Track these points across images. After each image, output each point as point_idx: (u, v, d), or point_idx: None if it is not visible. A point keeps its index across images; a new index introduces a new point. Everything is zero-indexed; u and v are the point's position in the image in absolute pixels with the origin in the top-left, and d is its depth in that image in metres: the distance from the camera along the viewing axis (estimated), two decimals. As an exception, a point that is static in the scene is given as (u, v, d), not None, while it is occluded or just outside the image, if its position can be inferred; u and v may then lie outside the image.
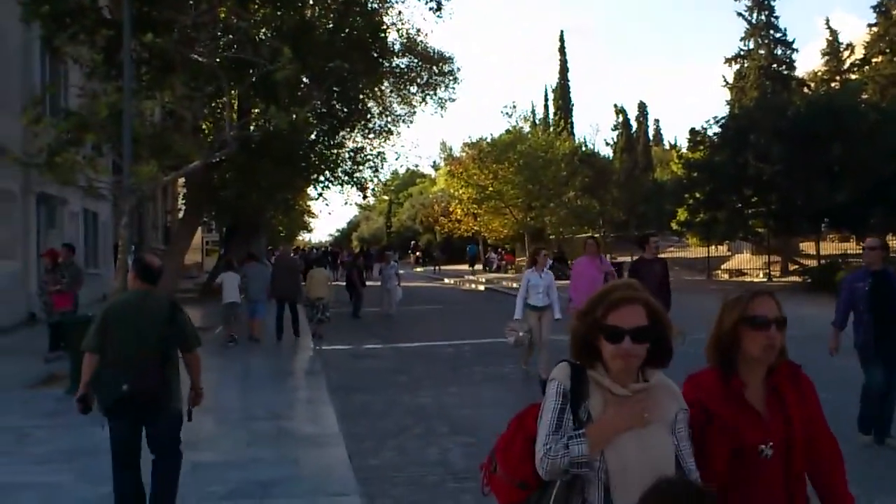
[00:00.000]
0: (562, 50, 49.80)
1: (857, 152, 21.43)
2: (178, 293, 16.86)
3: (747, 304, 2.21)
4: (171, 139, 11.40)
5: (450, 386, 9.16)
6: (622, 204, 36.52)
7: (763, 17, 35.67)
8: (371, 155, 23.83)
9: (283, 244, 23.75)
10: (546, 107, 50.69)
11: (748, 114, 26.53)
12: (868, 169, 21.29)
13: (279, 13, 14.55)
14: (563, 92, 49.30)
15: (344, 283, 20.73)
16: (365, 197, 25.97)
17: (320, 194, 25.17)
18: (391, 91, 25.16)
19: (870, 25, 32.99)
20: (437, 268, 41.48)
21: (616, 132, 47.21)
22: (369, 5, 18.40)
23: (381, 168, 24.60)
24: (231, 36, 13.34)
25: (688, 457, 2.02)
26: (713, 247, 29.80)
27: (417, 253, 51.40)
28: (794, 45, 35.96)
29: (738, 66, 36.81)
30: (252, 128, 13.49)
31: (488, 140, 38.44)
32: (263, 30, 14.73)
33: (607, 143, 47.17)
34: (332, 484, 5.25)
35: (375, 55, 18.45)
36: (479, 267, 42.30)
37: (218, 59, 11.39)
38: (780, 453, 2.16)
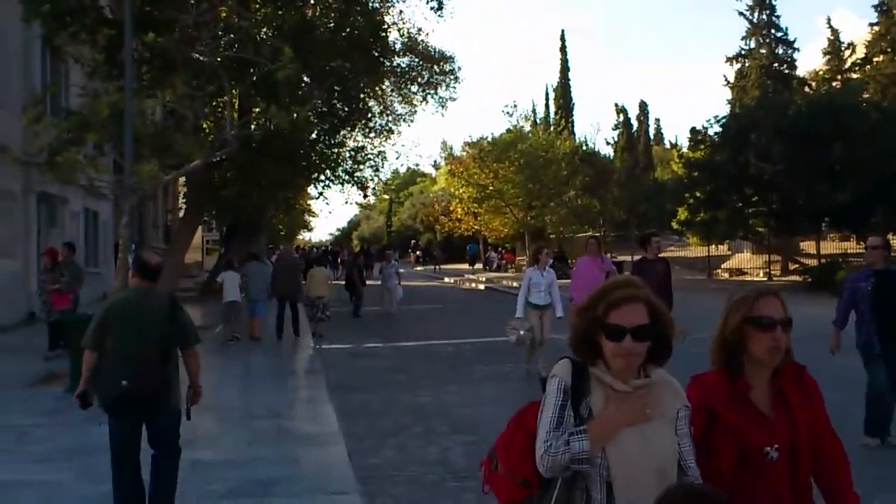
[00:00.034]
0: (563, 49, 49.81)
1: (858, 152, 21.41)
2: (178, 292, 16.86)
3: (752, 305, 2.19)
4: (172, 138, 11.39)
5: (450, 385, 9.16)
6: (623, 203, 36.49)
7: (764, 17, 35.67)
8: (372, 154, 23.90)
9: (284, 243, 23.76)
10: (547, 106, 50.67)
11: (749, 113, 26.50)
12: (869, 168, 21.28)
13: (280, 12, 14.56)
14: (563, 91, 49.29)
15: (343, 283, 20.75)
16: (365, 196, 26.04)
17: (321, 193, 25.22)
18: (392, 90, 25.17)
19: (871, 24, 33.01)
20: (437, 267, 41.48)
21: (617, 131, 47.18)
22: (370, 5, 18.40)
23: (382, 167, 24.67)
24: (232, 35, 13.34)
25: (687, 454, 2.01)
26: (713, 246, 29.79)
27: (418, 252, 51.40)
28: (796, 45, 36.01)
29: (739, 66, 36.81)
30: (253, 127, 13.49)
31: (489, 139, 38.45)
32: (264, 29, 14.74)
33: (608, 143, 47.19)
34: (331, 483, 5.25)
35: (376, 54, 18.46)
36: (479, 266, 42.30)
37: (219, 59, 11.40)
38: (786, 456, 2.14)
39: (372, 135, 24.69)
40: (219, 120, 15.42)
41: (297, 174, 19.54)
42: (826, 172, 22.41)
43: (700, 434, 2.13)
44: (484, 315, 17.02)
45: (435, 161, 55.08)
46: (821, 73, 36.29)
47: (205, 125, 16.32)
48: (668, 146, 56.11)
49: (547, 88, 52.41)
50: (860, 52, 33.92)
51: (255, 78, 11.65)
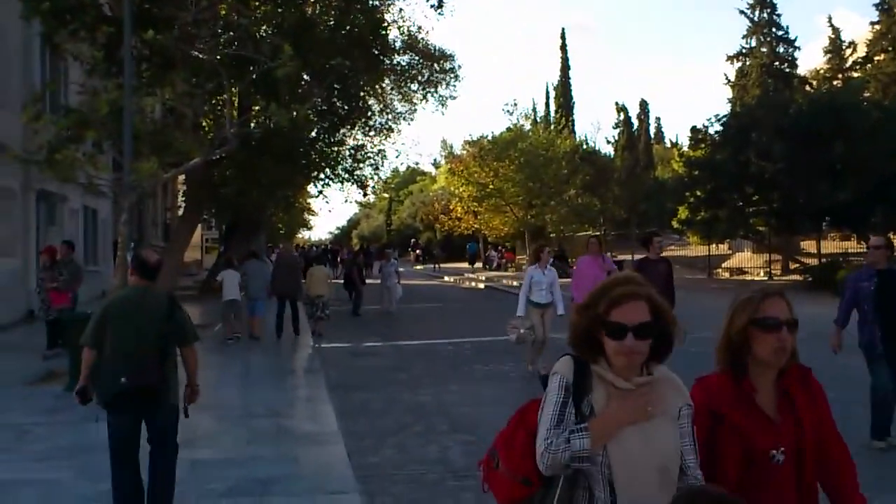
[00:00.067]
0: (563, 48, 49.73)
1: (859, 151, 21.40)
2: (177, 290, 16.85)
3: (758, 306, 2.17)
4: (172, 136, 11.37)
5: (450, 384, 9.15)
6: (623, 202, 36.48)
7: (765, 15, 35.65)
8: (371, 152, 23.90)
9: (283, 242, 23.74)
10: (547, 104, 50.63)
11: (750, 112, 26.49)
12: (870, 167, 21.26)
13: (280, 10, 14.53)
14: (564, 90, 49.23)
15: (342, 282, 20.74)
16: (365, 194, 26.05)
17: (320, 192, 25.32)
18: (392, 88, 25.15)
19: (872, 23, 32.98)
20: (437, 266, 41.46)
21: (617, 130, 47.15)
22: (370, 2, 18.37)
23: (382, 166, 24.68)
24: (232, 33, 13.33)
25: (688, 453, 1.99)
26: (714, 245, 29.77)
27: (417, 251, 51.39)
28: (797, 43, 36.00)
29: (739, 64, 36.79)
30: (252, 125, 13.48)
31: (489, 138, 38.41)
32: (264, 27, 14.72)
33: (608, 141, 47.25)
34: (331, 482, 5.24)
35: (376, 52, 18.45)
36: (479, 265, 42.28)
37: (218, 56, 11.37)
38: (792, 459, 2.12)
39: (372, 133, 24.72)
40: (218, 118, 15.40)
41: (297, 172, 19.53)
42: (827, 171, 22.40)
43: (705, 436, 2.10)
44: (484, 314, 17.01)
45: (435, 160, 55.21)
46: (822, 71, 36.28)
47: (204, 123, 16.31)
48: (668, 145, 56.10)
49: (547, 87, 52.42)
50: (861, 51, 33.91)
51: (254, 76, 11.63)
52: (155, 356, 4.13)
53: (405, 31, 23.63)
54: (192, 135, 13.22)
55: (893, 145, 20.89)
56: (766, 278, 25.97)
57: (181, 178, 22.42)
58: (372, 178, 24.07)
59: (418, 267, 46.03)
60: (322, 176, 22.11)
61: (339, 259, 33.68)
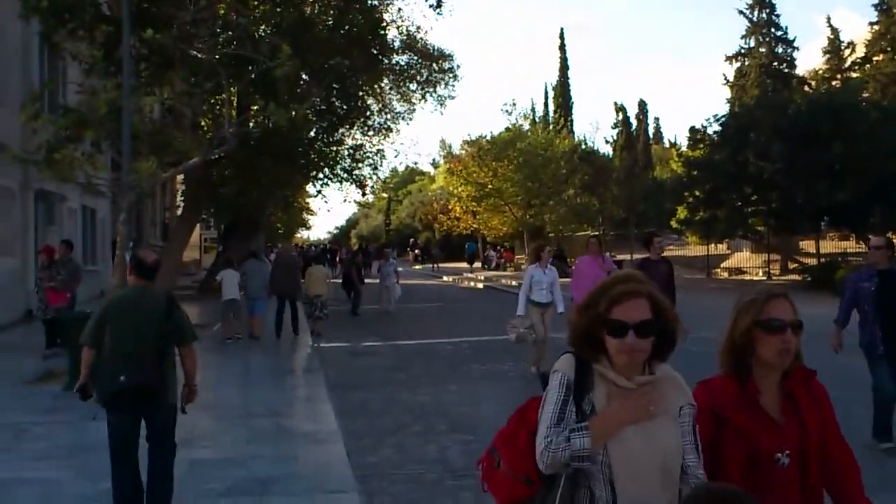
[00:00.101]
0: (562, 48, 49.74)
1: (857, 151, 21.41)
2: (176, 290, 16.84)
3: (762, 307, 2.15)
4: (171, 136, 11.37)
5: (448, 383, 9.15)
6: (622, 202, 36.50)
7: (764, 15, 35.67)
8: (370, 152, 23.88)
9: (283, 242, 23.73)
10: (546, 104, 50.62)
11: (748, 112, 26.51)
12: (868, 168, 21.27)
13: (278, 10, 14.52)
14: (562, 89, 49.23)
15: (341, 281, 20.73)
16: (364, 194, 26.04)
17: (319, 191, 25.28)
18: (391, 88, 25.14)
19: (871, 24, 32.99)
20: (435, 265, 41.47)
21: (616, 130, 47.13)
22: (369, 2, 18.37)
23: (381, 165, 24.64)
24: (230, 32, 13.32)
25: (689, 452, 1.97)
26: (713, 245, 29.81)
27: (416, 251, 51.40)
28: (795, 44, 36.00)
29: (738, 64, 36.80)
30: (251, 124, 13.47)
31: (488, 138, 38.43)
32: (263, 26, 14.71)
33: (607, 141, 47.09)
34: (330, 481, 5.24)
35: (375, 52, 18.44)
36: (477, 265, 42.28)
37: (217, 56, 11.37)
38: (796, 461, 2.10)
39: (370, 133, 24.70)
40: (217, 117, 15.41)
41: (296, 172, 19.53)
42: (825, 172, 22.41)
43: (709, 439, 2.08)
44: (483, 314, 17.01)
45: (434, 159, 55.12)
46: (820, 72, 36.30)
47: (203, 122, 16.31)
48: (667, 145, 56.16)
49: (546, 87, 52.37)
50: (860, 52, 33.91)
51: (253, 75, 11.62)
52: (154, 356, 4.14)
53: (404, 30, 23.66)
54: (191, 134, 13.22)
55: (892, 145, 20.90)
56: (764, 278, 26.00)
57: (180, 177, 22.40)
58: (371, 178, 24.08)
59: (417, 267, 46.02)
60: (321, 175, 22.09)
61: (337, 259, 33.66)
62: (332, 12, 16.85)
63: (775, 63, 35.68)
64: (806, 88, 33.71)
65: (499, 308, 15.03)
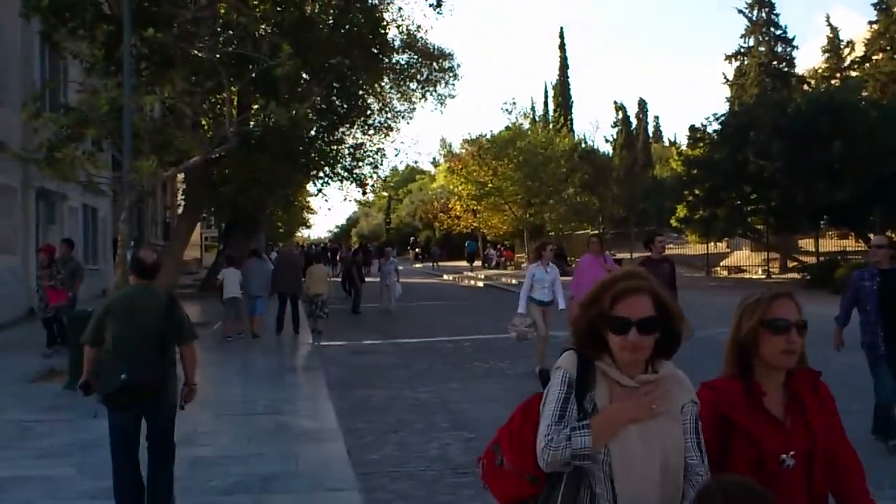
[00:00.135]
0: (562, 46, 49.71)
1: (857, 150, 21.42)
2: (177, 289, 16.86)
3: (767, 307, 2.13)
4: (171, 134, 11.39)
5: (449, 381, 9.17)
6: (622, 201, 36.52)
7: (763, 14, 35.69)
8: (371, 151, 23.88)
9: (286, 241, 23.72)
10: (546, 103, 50.61)
11: (748, 111, 26.51)
12: (868, 167, 21.28)
13: (279, 9, 14.54)
14: (562, 88, 49.21)
15: (340, 280, 20.76)
16: (364, 193, 26.01)
17: (320, 190, 25.33)
18: (391, 87, 25.15)
19: (870, 23, 32.96)
20: (435, 264, 41.48)
21: (616, 129, 47.16)
22: (369, 1, 18.38)
23: (381, 164, 24.66)
24: (231, 32, 13.33)
25: (691, 450, 1.95)
26: (712, 243, 29.82)
27: (416, 249, 51.41)
28: (795, 43, 36.06)
29: (738, 63, 36.82)
30: (252, 123, 13.50)
31: (488, 136, 38.43)
32: (263, 26, 14.71)
33: (607, 140, 47.20)
34: (331, 479, 5.26)
35: (375, 51, 18.46)
36: (478, 263, 42.29)
37: (218, 55, 11.38)
38: (802, 463, 2.09)
39: (371, 132, 24.70)
40: (218, 116, 15.42)
41: (296, 171, 19.54)
42: (825, 170, 22.42)
43: (713, 440, 2.06)
44: (483, 312, 17.03)
45: (434, 158, 55.10)
46: (820, 70, 36.30)
47: (204, 122, 16.31)
48: (667, 144, 56.16)
49: (546, 86, 52.45)
50: (859, 51, 33.90)
51: (254, 74, 11.64)
52: (155, 354, 4.16)
53: (404, 29, 23.67)
54: (192, 133, 13.23)
55: (891, 144, 20.92)
56: (763, 277, 26.02)
57: (181, 176, 22.40)
58: (371, 177, 24.09)
59: (417, 265, 46.04)
60: (321, 174, 22.11)
61: (338, 258, 33.68)
62: (332, 12, 16.87)
63: (775, 62, 35.70)
64: (805, 87, 33.72)
65: (499, 306, 15.06)
